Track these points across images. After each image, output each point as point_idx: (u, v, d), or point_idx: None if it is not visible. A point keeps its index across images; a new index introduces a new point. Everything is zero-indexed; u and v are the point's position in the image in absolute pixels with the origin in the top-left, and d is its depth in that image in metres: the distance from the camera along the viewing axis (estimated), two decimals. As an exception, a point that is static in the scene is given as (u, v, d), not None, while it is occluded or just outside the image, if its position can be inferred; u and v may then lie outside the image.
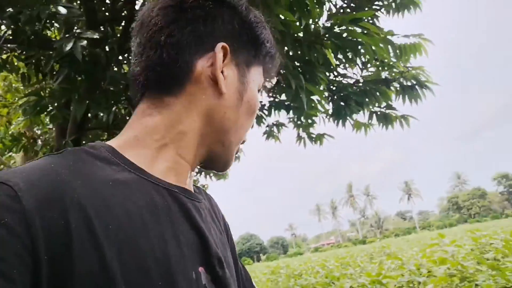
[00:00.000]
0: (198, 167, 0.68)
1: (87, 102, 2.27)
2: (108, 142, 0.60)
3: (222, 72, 0.62)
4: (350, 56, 2.84)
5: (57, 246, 0.43)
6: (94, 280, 0.43)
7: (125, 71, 3.09)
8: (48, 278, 0.41)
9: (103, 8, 2.87)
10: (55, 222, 0.43)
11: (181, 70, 0.60)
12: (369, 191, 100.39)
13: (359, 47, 2.77)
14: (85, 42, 1.96)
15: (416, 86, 3.96)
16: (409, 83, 4.00)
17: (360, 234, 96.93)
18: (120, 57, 2.95)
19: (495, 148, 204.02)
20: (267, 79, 0.74)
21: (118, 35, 2.86)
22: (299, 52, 2.70)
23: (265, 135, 5.13)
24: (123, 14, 2.89)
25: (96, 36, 2.04)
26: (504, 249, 5.98)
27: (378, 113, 4.30)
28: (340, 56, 3.05)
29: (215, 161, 0.67)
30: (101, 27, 2.77)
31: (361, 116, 4.51)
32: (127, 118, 3.14)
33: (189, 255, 0.54)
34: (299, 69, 2.87)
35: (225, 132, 0.64)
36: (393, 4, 3.85)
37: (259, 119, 4.55)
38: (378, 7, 3.76)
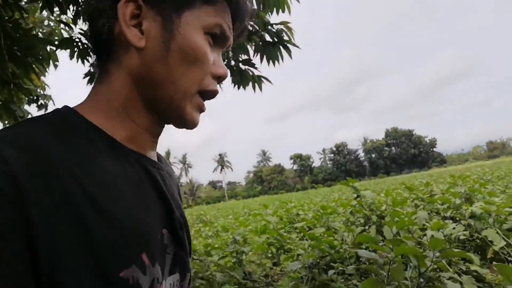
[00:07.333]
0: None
1: None
2: (76, 107, 0.59)
3: (140, 25, 0.58)
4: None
5: (46, 208, 0.44)
6: (76, 236, 0.45)
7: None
8: (42, 241, 0.43)
9: None
10: (43, 186, 0.45)
11: (106, 34, 0.59)
12: (186, 159, 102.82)
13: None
14: None
15: (279, 45, 3.59)
16: (270, 40, 3.59)
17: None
18: None
19: (297, 132, 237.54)
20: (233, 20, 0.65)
21: None
22: None
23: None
24: None
25: None
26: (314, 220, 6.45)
27: (234, 68, 3.78)
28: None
29: (171, 120, 0.64)
30: None
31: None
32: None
33: (156, 219, 0.58)
34: None
35: (159, 87, 0.59)
36: None
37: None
38: None
